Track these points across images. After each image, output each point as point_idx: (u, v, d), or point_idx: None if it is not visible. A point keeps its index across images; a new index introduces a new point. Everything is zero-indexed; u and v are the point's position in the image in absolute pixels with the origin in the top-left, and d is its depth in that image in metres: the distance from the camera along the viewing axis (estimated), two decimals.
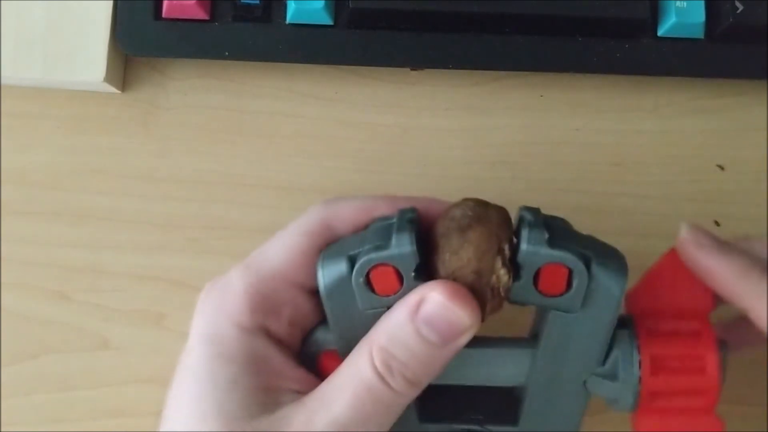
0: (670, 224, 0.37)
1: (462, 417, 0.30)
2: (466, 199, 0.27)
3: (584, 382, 0.28)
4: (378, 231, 0.27)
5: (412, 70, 0.38)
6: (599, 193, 0.38)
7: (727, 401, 0.36)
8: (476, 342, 0.27)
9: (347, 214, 0.29)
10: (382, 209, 0.29)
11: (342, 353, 0.27)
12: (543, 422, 0.29)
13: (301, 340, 0.29)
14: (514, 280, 0.26)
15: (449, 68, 0.37)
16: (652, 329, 0.28)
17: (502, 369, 0.29)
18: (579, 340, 0.27)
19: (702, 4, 0.36)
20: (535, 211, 0.27)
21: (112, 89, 0.37)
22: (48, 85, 0.37)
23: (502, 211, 0.27)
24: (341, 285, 0.27)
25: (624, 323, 0.28)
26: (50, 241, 0.37)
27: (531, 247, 0.25)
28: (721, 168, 0.38)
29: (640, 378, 0.27)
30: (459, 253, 0.26)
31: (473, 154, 0.38)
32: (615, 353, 0.28)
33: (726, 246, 0.27)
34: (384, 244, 0.26)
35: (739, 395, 0.36)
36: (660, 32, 0.36)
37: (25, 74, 0.36)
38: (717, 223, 0.37)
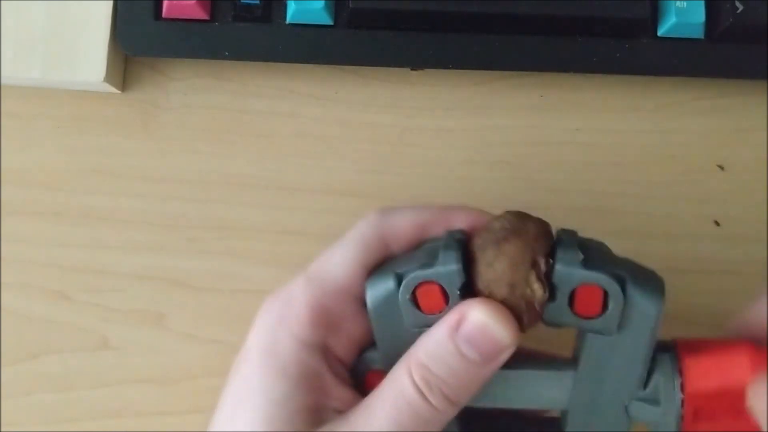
0: (670, 224, 0.37)
1: None
2: (507, 212, 0.27)
3: (626, 408, 0.28)
4: (426, 250, 0.27)
5: (412, 70, 0.38)
6: (599, 193, 0.38)
7: None
8: (518, 363, 0.27)
9: (402, 230, 0.29)
10: (437, 223, 0.29)
11: (388, 372, 0.28)
12: None
13: (355, 357, 0.30)
14: (549, 301, 0.26)
15: (449, 68, 0.37)
16: (695, 351, 0.27)
17: (543, 391, 0.28)
18: (618, 362, 0.27)
19: (702, 4, 0.36)
20: (571, 233, 0.27)
21: (112, 89, 0.37)
22: (48, 85, 0.37)
23: (541, 225, 0.27)
24: (388, 302, 0.27)
25: (666, 347, 0.28)
26: (50, 241, 0.37)
27: (565, 268, 0.25)
28: (721, 168, 0.38)
29: (682, 401, 0.27)
30: (494, 265, 0.26)
31: (473, 154, 0.38)
32: (656, 377, 0.27)
33: None
34: (430, 262, 0.26)
35: None
36: (660, 32, 0.36)
37: (25, 74, 0.36)
38: (717, 223, 0.37)
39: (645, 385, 0.27)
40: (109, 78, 0.36)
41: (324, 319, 0.28)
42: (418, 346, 0.26)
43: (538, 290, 0.26)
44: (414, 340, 0.27)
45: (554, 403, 0.29)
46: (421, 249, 0.28)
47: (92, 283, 0.37)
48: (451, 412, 0.26)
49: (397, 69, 0.38)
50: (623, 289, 0.25)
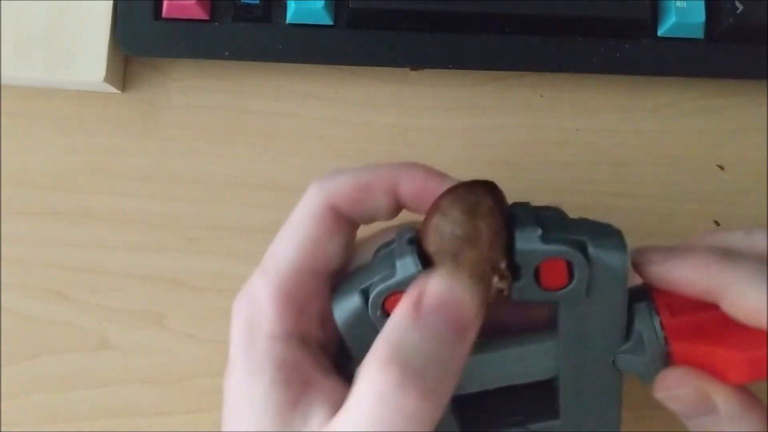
0: (670, 224, 0.37)
1: (503, 420, 0.30)
2: (451, 197, 0.26)
3: (613, 362, 0.28)
4: (383, 260, 0.27)
5: (412, 70, 0.38)
6: (599, 193, 0.38)
7: None
8: (498, 344, 0.27)
9: (347, 193, 0.28)
10: (381, 184, 0.28)
11: None
12: (583, 410, 0.29)
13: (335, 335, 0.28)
14: (514, 281, 0.26)
15: (449, 68, 0.37)
16: (669, 295, 0.27)
17: (528, 365, 0.28)
18: (595, 323, 0.27)
19: (702, 4, 0.36)
20: (524, 207, 0.27)
21: (112, 89, 0.37)
22: (48, 85, 0.37)
23: (492, 218, 0.26)
24: (358, 319, 0.27)
25: (640, 295, 0.27)
26: (50, 241, 0.37)
27: (525, 246, 0.25)
28: (721, 168, 0.38)
29: (665, 339, 0.27)
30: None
31: (473, 154, 0.38)
32: (636, 327, 0.27)
33: (677, 251, 0.27)
34: (391, 272, 0.26)
35: None
36: (660, 32, 0.36)
37: (25, 74, 0.36)
38: (717, 223, 0.37)
39: (627, 336, 0.27)
40: (109, 78, 0.36)
41: (289, 306, 0.27)
42: (384, 336, 0.24)
43: (501, 285, 0.25)
44: None
45: (542, 374, 0.28)
46: (378, 258, 0.28)
47: (92, 283, 0.37)
48: (437, 403, 0.24)
49: (397, 69, 0.38)
50: (585, 255, 0.25)
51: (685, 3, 0.36)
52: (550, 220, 0.26)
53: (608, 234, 0.26)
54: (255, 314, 0.27)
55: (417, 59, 0.37)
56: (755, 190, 0.38)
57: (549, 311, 0.29)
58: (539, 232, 0.25)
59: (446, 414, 0.28)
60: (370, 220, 0.29)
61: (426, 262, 0.26)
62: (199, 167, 0.38)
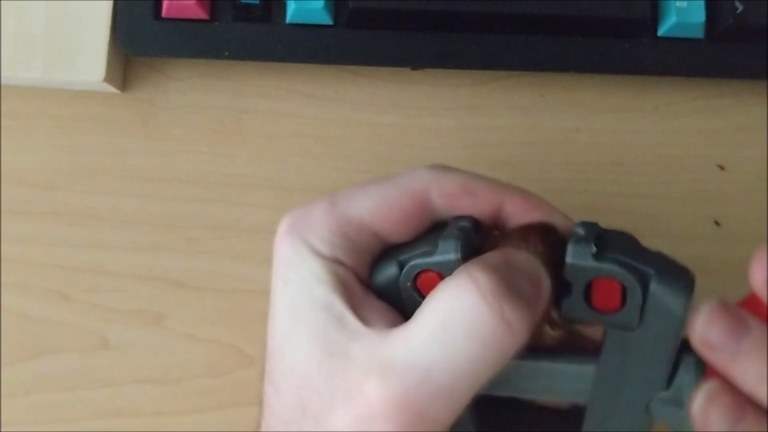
0: (670, 224, 0.37)
1: None
2: (505, 244, 0.26)
3: (647, 406, 0.27)
4: (430, 237, 0.27)
5: (412, 70, 0.38)
6: (599, 193, 0.38)
7: None
8: (537, 356, 0.27)
9: (451, 191, 0.28)
10: (488, 197, 0.28)
11: None
12: None
13: None
14: (564, 297, 0.25)
15: (449, 68, 0.37)
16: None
17: (562, 383, 0.27)
18: (639, 359, 0.26)
19: (702, 4, 0.36)
20: (589, 225, 0.26)
21: (112, 89, 0.37)
22: (48, 85, 0.37)
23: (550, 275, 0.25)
24: (391, 288, 0.27)
25: (691, 348, 0.25)
26: (50, 241, 0.37)
27: (575, 261, 0.25)
28: (721, 168, 0.38)
29: None
30: None
31: (473, 154, 0.38)
32: (680, 378, 0.26)
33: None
34: (431, 250, 0.26)
35: None
36: (660, 32, 0.36)
37: (25, 74, 0.36)
38: (717, 223, 0.37)
39: (668, 384, 0.26)
40: (109, 78, 0.36)
41: (342, 245, 0.27)
42: (476, 260, 0.24)
43: (554, 334, 0.25)
44: None
45: (573, 396, 0.28)
46: (427, 236, 0.28)
47: (92, 283, 0.37)
48: (519, 336, 0.23)
49: (397, 69, 0.38)
50: (645, 284, 0.24)
51: (685, 3, 0.36)
52: (614, 243, 0.26)
53: (677, 274, 0.25)
54: (311, 236, 0.27)
55: (417, 59, 0.37)
56: (755, 190, 0.38)
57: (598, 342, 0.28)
58: (593, 249, 0.25)
59: (464, 413, 0.27)
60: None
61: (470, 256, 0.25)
62: (199, 167, 0.38)
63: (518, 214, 0.27)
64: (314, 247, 0.26)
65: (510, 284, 0.23)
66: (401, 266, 0.26)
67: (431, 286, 0.25)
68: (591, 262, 0.25)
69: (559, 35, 0.36)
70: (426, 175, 0.28)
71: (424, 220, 0.28)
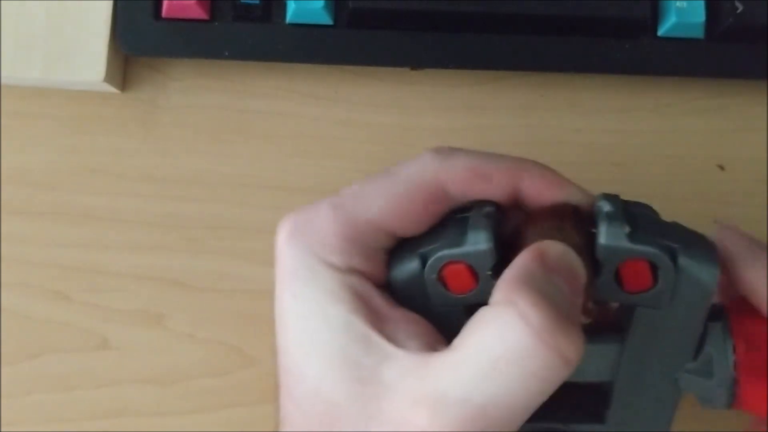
0: None
1: (545, 415, 0.27)
2: (539, 233, 0.24)
3: (675, 380, 0.26)
4: (453, 227, 0.26)
5: (412, 70, 0.38)
6: (599, 192, 0.38)
7: None
8: None
9: (461, 176, 0.26)
10: (502, 177, 0.26)
11: None
12: (631, 420, 0.27)
13: None
14: (594, 277, 0.24)
15: (449, 68, 0.37)
16: (747, 318, 0.26)
17: (588, 363, 0.26)
18: (668, 336, 0.25)
19: (702, 4, 0.36)
20: (614, 200, 0.25)
21: (112, 89, 0.37)
22: (48, 85, 0.37)
23: (582, 259, 0.24)
24: (413, 283, 0.25)
25: (716, 314, 0.26)
26: (50, 241, 0.37)
27: (610, 243, 0.24)
28: (721, 168, 0.38)
29: (735, 365, 0.25)
30: None
31: None
32: (707, 348, 0.26)
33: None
34: (458, 240, 0.25)
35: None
36: (660, 32, 0.36)
37: (25, 74, 0.36)
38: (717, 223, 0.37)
39: (696, 356, 0.26)
40: (109, 78, 0.36)
41: (353, 251, 0.25)
42: (509, 271, 0.23)
43: (586, 321, 0.24)
44: (443, 318, 0.25)
45: (599, 375, 0.27)
46: (446, 224, 0.26)
47: (92, 283, 0.37)
48: (575, 363, 0.22)
49: (397, 69, 0.38)
50: (674, 261, 0.24)
51: (685, 3, 0.36)
52: (641, 219, 0.25)
53: (701, 245, 0.25)
54: (318, 245, 0.25)
55: (417, 59, 0.37)
56: (755, 190, 0.38)
57: (620, 314, 0.27)
58: (627, 229, 0.24)
59: None
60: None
61: (502, 241, 0.24)
62: (199, 167, 0.38)
63: (537, 193, 0.26)
64: (324, 259, 0.25)
65: (559, 311, 0.22)
66: (423, 259, 0.25)
67: (459, 278, 0.25)
68: (626, 244, 0.24)
69: (559, 35, 0.36)
70: (433, 162, 0.26)
71: (440, 210, 0.26)
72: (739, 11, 0.35)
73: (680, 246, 0.24)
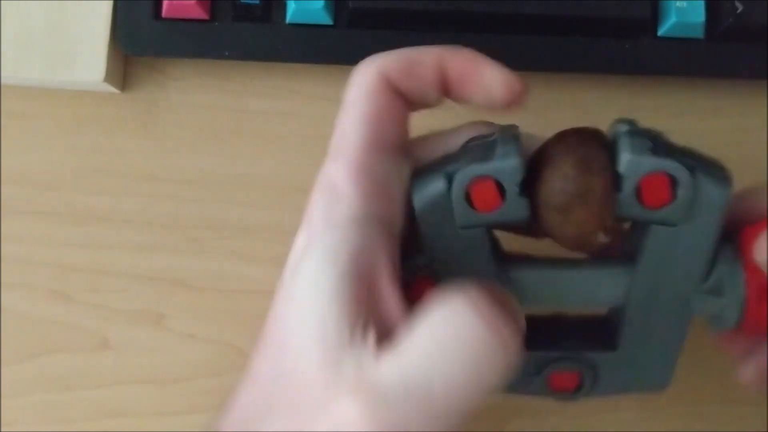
0: None
1: (558, 343, 0.29)
2: (563, 148, 0.25)
3: (687, 300, 0.27)
4: (476, 148, 0.26)
5: None
6: None
7: (727, 401, 0.37)
8: (570, 264, 0.27)
9: (398, 66, 0.27)
10: (426, 59, 0.27)
11: (438, 277, 0.26)
12: (643, 344, 0.28)
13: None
14: (616, 192, 0.25)
15: None
16: (757, 232, 0.26)
17: (599, 289, 0.27)
18: (681, 254, 0.26)
19: (702, 4, 0.36)
20: (632, 122, 0.26)
21: (112, 89, 0.37)
22: (48, 85, 0.37)
23: (605, 174, 0.24)
24: (438, 204, 0.25)
25: (727, 237, 0.26)
26: (50, 241, 0.37)
27: (634, 157, 0.24)
28: None
29: (746, 283, 0.26)
30: (561, 227, 0.25)
31: None
32: (719, 268, 0.26)
33: None
34: (487, 156, 0.25)
35: (739, 395, 0.36)
36: (660, 32, 0.36)
37: (25, 74, 0.36)
38: None
39: (707, 276, 0.26)
40: (109, 78, 0.36)
41: (369, 184, 0.26)
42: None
43: (606, 241, 0.25)
44: (466, 243, 0.26)
45: (611, 300, 0.28)
46: (468, 147, 0.27)
47: (92, 283, 0.37)
48: (513, 358, 0.22)
49: None
50: (692, 176, 0.24)
51: (685, 3, 0.36)
52: (659, 138, 0.26)
53: (715, 165, 0.26)
54: (334, 199, 0.26)
55: None
56: None
57: (632, 238, 0.28)
58: (650, 144, 0.24)
59: None
60: (420, 102, 0.28)
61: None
62: (199, 167, 0.38)
63: (461, 72, 0.27)
64: (342, 211, 0.25)
65: (506, 308, 0.23)
66: (449, 178, 0.25)
67: (487, 194, 0.25)
68: (649, 157, 0.24)
69: (559, 35, 0.36)
70: (370, 69, 0.27)
71: (404, 106, 0.27)
72: (739, 11, 0.35)
73: (698, 164, 0.25)
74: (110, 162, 0.38)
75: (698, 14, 0.36)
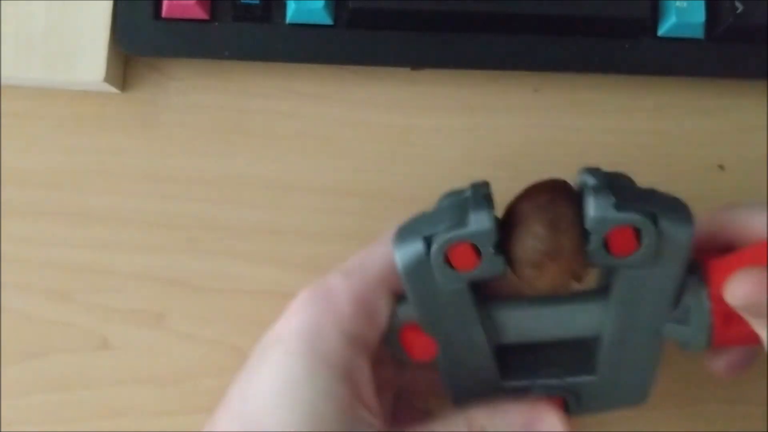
0: None
1: (541, 372, 0.31)
2: (532, 208, 0.27)
3: (657, 329, 0.29)
4: (452, 208, 0.28)
5: (412, 70, 0.38)
6: None
7: (727, 401, 0.37)
8: (548, 301, 0.29)
9: None
10: None
11: (424, 327, 0.29)
12: (621, 369, 0.30)
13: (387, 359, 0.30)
14: (585, 245, 0.26)
15: (449, 68, 0.37)
16: (720, 261, 0.28)
17: (576, 323, 0.29)
18: (650, 292, 0.28)
19: (702, 4, 0.36)
20: (597, 173, 0.28)
21: (112, 89, 0.37)
22: (48, 85, 0.37)
23: (574, 230, 0.26)
24: (419, 265, 0.27)
25: (693, 268, 0.28)
26: (50, 241, 0.37)
27: (599, 214, 0.26)
28: (721, 168, 0.38)
29: (711, 311, 0.27)
30: (536, 280, 0.27)
31: (473, 154, 0.38)
32: (686, 297, 0.28)
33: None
34: (461, 222, 0.27)
35: (739, 395, 0.36)
36: (660, 32, 0.36)
37: (25, 74, 0.36)
38: None
39: (675, 306, 0.28)
40: (109, 78, 0.36)
41: (365, 311, 0.28)
42: (488, 413, 0.27)
43: (578, 284, 0.27)
44: (448, 296, 0.28)
45: (587, 332, 0.29)
46: (443, 206, 0.28)
47: (92, 283, 0.37)
48: None
49: (397, 69, 0.38)
50: (655, 224, 0.26)
51: (685, 3, 0.36)
52: (623, 189, 0.27)
53: (677, 207, 0.27)
54: (331, 311, 0.28)
55: (417, 59, 0.37)
56: (755, 190, 0.38)
57: (604, 274, 0.30)
58: (613, 200, 0.26)
59: (489, 362, 0.29)
60: None
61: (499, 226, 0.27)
62: (199, 167, 0.38)
63: None
64: (340, 324, 0.27)
65: None
66: (428, 242, 0.27)
67: (464, 256, 0.27)
68: (614, 213, 0.26)
69: (560, 35, 0.36)
70: None
71: None
72: (739, 11, 0.35)
73: (660, 210, 0.26)
74: (110, 162, 0.38)
75: (698, 14, 0.36)
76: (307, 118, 0.38)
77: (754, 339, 0.27)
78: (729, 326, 0.28)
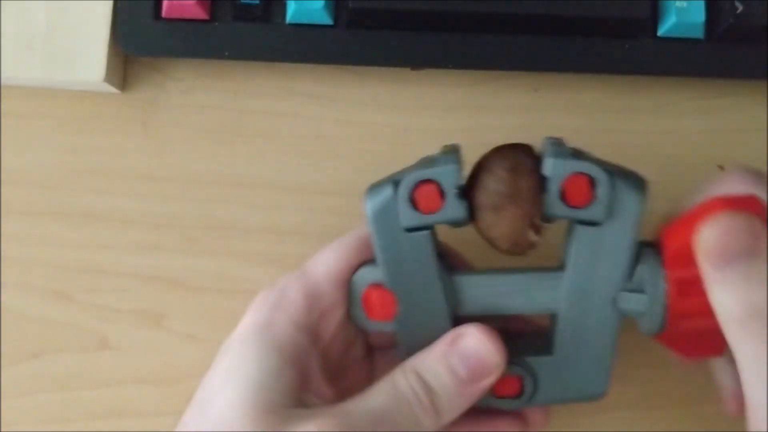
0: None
1: None
2: (496, 156, 0.29)
3: (613, 300, 0.29)
4: (422, 161, 0.30)
5: (412, 70, 0.38)
6: None
7: None
8: (508, 271, 0.30)
9: None
10: None
11: (388, 282, 0.30)
12: (577, 348, 0.30)
13: (340, 351, 0.32)
14: (541, 193, 0.28)
15: (449, 68, 0.37)
16: (677, 249, 0.28)
17: (533, 294, 0.30)
18: (605, 254, 0.29)
19: (702, 4, 0.36)
20: (559, 139, 0.29)
21: (112, 89, 0.37)
22: (48, 85, 0.37)
23: (533, 176, 0.28)
24: (386, 208, 0.29)
25: (649, 243, 0.29)
26: (50, 241, 0.37)
27: (557, 160, 0.27)
28: (721, 168, 0.38)
29: (666, 278, 0.28)
30: (495, 226, 0.28)
31: (473, 154, 0.38)
32: (641, 267, 0.29)
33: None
34: (429, 165, 0.28)
35: None
36: (660, 32, 0.36)
37: (25, 74, 0.36)
38: None
39: (631, 276, 0.29)
40: (109, 78, 0.36)
41: (316, 305, 0.30)
42: (417, 356, 0.29)
43: (535, 240, 0.28)
44: (412, 245, 0.29)
45: (545, 306, 0.30)
46: (417, 162, 0.30)
47: (92, 283, 0.37)
48: (437, 423, 0.28)
49: (397, 69, 0.38)
50: (612, 180, 0.27)
51: (685, 3, 0.36)
52: (581, 151, 0.29)
53: (633, 175, 0.29)
54: (283, 301, 0.30)
55: (417, 59, 0.37)
56: None
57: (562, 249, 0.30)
58: (571, 149, 0.28)
59: (446, 330, 0.30)
60: None
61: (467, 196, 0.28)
62: (199, 167, 0.38)
63: None
64: (290, 316, 0.29)
65: (420, 391, 0.28)
66: (396, 185, 0.28)
67: (429, 197, 0.28)
68: (570, 160, 0.28)
69: (559, 35, 0.36)
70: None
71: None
72: (739, 11, 0.35)
73: (616, 170, 0.28)
74: (110, 162, 0.38)
75: (698, 14, 0.36)
76: (307, 118, 0.38)
77: (709, 314, 0.26)
78: (685, 297, 0.28)
